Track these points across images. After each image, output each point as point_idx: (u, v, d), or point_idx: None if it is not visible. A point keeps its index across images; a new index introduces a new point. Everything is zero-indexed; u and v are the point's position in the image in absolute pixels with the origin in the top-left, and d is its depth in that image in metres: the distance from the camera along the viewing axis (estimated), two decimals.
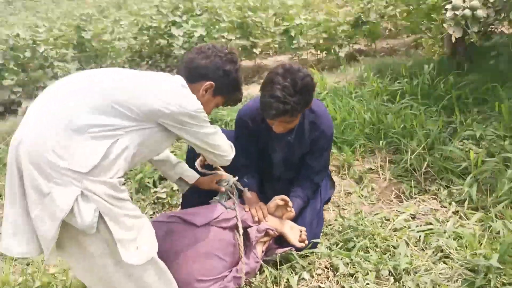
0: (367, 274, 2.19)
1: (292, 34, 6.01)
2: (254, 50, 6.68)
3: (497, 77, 4.18)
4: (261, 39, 6.72)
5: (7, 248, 1.67)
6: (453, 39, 2.80)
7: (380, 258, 2.25)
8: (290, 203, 2.34)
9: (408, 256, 2.27)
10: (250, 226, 2.29)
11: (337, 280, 2.22)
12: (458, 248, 2.32)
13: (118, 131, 1.68)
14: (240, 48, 6.55)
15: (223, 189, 2.34)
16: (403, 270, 2.15)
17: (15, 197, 1.65)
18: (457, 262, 2.22)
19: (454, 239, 2.40)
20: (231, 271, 2.24)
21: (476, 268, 2.11)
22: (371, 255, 2.31)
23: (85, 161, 1.61)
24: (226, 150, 2.04)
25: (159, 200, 3.29)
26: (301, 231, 2.36)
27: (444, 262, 2.28)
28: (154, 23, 6.24)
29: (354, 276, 2.20)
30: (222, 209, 2.27)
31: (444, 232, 2.46)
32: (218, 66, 1.92)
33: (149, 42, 6.48)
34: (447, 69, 4.46)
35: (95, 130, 1.63)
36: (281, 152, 2.49)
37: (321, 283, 2.23)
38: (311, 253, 2.39)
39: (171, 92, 1.78)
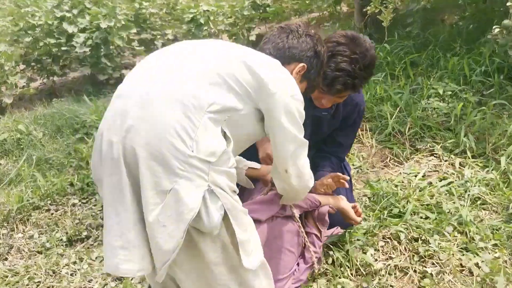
0: (433, 235, 2.15)
1: (202, 21, 5.73)
2: (156, 42, 6.24)
3: (419, 42, 4.53)
4: (162, 30, 6.29)
5: (116, 267, 1.31)
6: None
7: (441, 215, 2.23)
8: (345, 176, 2.16)
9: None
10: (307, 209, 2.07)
11: (404, 247, 2.14)
12: (491, 193, 2.43)
13: (225, 114, 1.37)
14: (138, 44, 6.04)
15: None
16: (469, 221, 2.16)
17: (122, 202, 1.29)
18: (498, 207, 2.31)
19: (479, 186, 2.49)
20: (298, 263, 2.02)
21: None
22: (424, 216, 2.28)
23: (212, 148, 1.30)
24: (307, 173, 1.67)
25: None
26: (354, 206, 2.21)
27: (483, 209, 2.36)
28: (39, 21, 5.38)
29: (421, 239, 2.15)
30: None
31: (466, 182, 2.54)
32: (310, 47, 1.65)
33: (34, 43, 5.58)
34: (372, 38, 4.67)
35: (213, 109, 1.33)
36: (308, 129, 2.30)
37: (391, 254, 2.13)
38: (359, 229, 2.27)
39: (279, 71, 1.49)
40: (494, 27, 2.84)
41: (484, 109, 3.02)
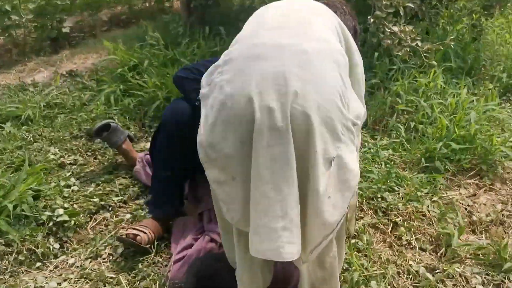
0: (384, 192, 2.45)
1: (8, 8, 4.76)
2: None
3: None
4: None
5: (277, 251, 1.11)
6: None
7: (380, 177, 2.54)
8: None
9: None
10: None
11: (367, 207, 2.37)
12: (395, 154, 2.88)
13: None
14: None
15: None
16: (408, 177, 2.54)
17: (286, 176, 1.10)
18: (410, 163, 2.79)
19: (386, 150, 2.92)
20: None
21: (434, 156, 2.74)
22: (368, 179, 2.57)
23: (357, 110, 1.27)
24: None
25: (64, 225, 2.28)
26: None
27: (398, 167, 2.79)
28: None
29: (376, 198, 2.41)
30: None
31: (370, 149, 2.94)
32: (352, 25, 1.65)
33: None
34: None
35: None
36: None
37: (359, 215, 2.33)
38: None
39: None
40: (369, 17, 3.30)
41: None
